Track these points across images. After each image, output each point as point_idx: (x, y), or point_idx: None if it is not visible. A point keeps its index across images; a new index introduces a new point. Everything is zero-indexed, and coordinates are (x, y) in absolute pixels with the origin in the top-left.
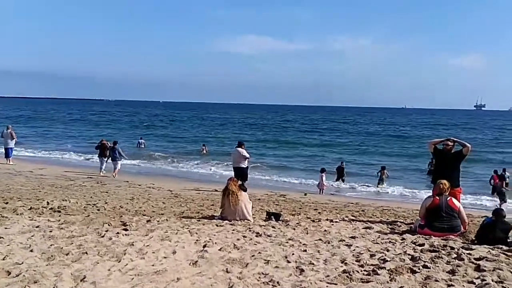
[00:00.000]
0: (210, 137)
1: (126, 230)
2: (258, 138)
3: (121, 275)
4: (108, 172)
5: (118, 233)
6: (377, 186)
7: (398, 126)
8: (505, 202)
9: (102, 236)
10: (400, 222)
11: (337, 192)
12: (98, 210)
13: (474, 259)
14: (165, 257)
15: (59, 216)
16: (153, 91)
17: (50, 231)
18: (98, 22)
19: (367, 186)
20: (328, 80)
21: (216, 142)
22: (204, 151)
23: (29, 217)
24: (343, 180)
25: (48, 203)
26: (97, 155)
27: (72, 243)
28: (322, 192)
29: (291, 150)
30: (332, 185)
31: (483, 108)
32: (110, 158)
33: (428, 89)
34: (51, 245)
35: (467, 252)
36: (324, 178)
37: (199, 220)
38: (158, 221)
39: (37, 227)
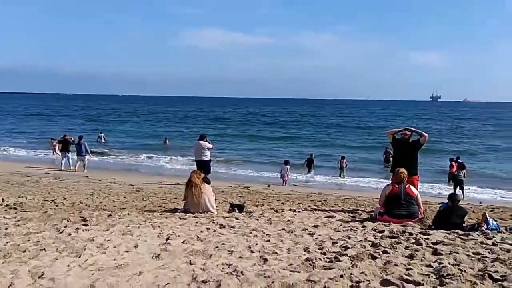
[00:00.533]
0: (173, 131)
1: (86, 225)
2: (220, 132)
3: (81, 271)
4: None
5: (77, 228)
6: (340, 176)
7: (359, 118)
8: (463, 190)
9: (61, 232)
10: (361, 210)
11: (306, 182)
12: (57, 206)
13: (432, 243)
14: (126, 251)
15: (15, 213)
16: (111, 85)
17: (6, 228)
18: (63, 15)
19: (328, 176)
20: (293, 75)
21: (179, 136)
22: (167, 144)
23: None
24: (310, 171)
25: (3, 200)
26: (59, 150)
27: (29, 240)
28: (285, 183)
29: (253, 144)
30: (303, 176)
31: (438, 100)
32: (76, 153)
33: (389, 84)
34: (7, 242)
35: (425, 237)
36: (288, 169)
37: (161, 214)
38: (119, 216)
39: None
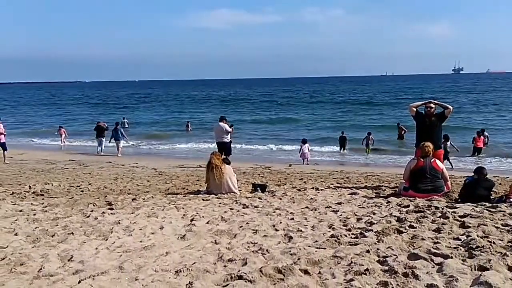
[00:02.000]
0: (193, 116)
1: (111, 209)
2: (237, 118)
3: (108, 253)
4: (107, 153)
5: (103, 212)
6: (366, 153)
7: (375, 94)
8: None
9: (88, 216)
10: (384, 186)
11: (342, 161)
12: (82, 191)
13: (459, 216)
14: (152, 233)
15: (42, 199)
16: (128, 71)
17: (34, 215)
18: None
19: (349, 154)
20: (303, 53)
21: (199, 119)
22: (189, 129)
23: (11, 202)
24: (344, 149)
25: (30, 187)
26: (95, 136)
27: (57, 225)
28: (307, 162)
29: (270, 127)
30: (340, 152)
31: (461, 72)
32: (112, 138)
33: (407, 58)
34: (35, 228)
35: (452, 210)
36: (308, 148)
37: (185, 196)
38: (143, 199)
39: (20, 211)
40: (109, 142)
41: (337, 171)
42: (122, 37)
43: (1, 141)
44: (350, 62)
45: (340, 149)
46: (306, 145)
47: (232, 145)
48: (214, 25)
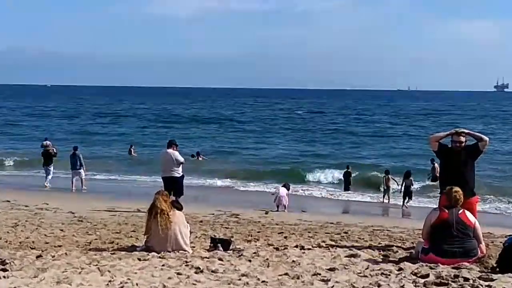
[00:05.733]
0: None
1: (4, 270)
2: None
3: None
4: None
5: None
6: (383, 198)
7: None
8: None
9: None
10: (396, 246)
11: (341, 207)
12: None
13: None
14: None
15: None
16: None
17: None
18: None
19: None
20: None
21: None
22: (133, 154)
23: None
24: (348, 189)
25: None
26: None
27: None
28: (283, 209)
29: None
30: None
31: (506, 89)
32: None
33: (431, 66)
34: None
35: (486, 284)
36: (284, 193)
37: (113, 254)
38: (53, 257)
39: None
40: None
41: (332, 223)
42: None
43: None
44: (358, 70)
45: (345, 189)
46: (284, 189)
47: (185, 181)
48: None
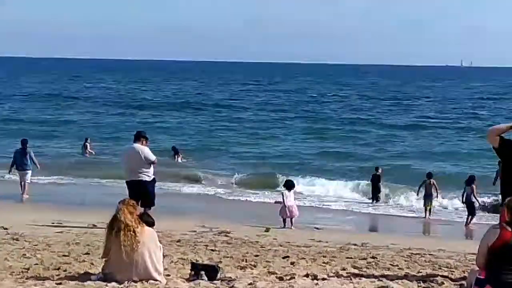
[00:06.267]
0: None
1: None
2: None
3: None
4: None
5: None
6: (425, 210)
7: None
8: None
9: None
10: (441, 276)
11: (367, 221)
12: None
13: None
14: None
15: None
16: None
17: None
18: None
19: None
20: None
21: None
22: (88, 150)
23: None
24: (377, 198)
25: None
26: None
27: None
28: (290, 224)
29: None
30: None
31: None
32: (13, 167)
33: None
34: None
35: None
36: (292, 198)
37: (59, 283)
38: None
39: None
40: (9, 172)
41: (355, 244)
42: None
43: None
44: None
45: (373, 199)
46: (291, 192)
47: (158, 187)
48: None
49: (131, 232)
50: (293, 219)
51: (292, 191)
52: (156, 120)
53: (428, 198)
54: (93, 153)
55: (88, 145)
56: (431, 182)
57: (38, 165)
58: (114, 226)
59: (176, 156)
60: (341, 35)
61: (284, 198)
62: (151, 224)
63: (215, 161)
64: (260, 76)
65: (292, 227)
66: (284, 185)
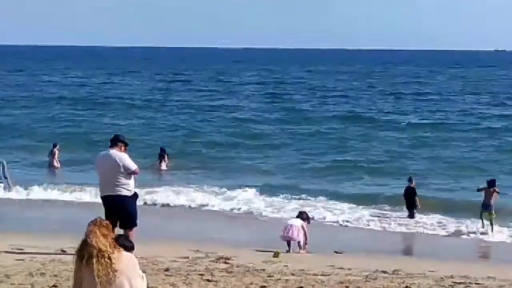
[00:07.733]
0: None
1: None
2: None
3: None
4: None
5: None
6: (482, 225)
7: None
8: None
9: None
10: None
11: (397, 242)
12: None
13: None
14: None
15: None
16: None
17: None
18: None
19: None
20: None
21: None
22: (55, 158)
23: None
24: (412, 215)
25: None
26: None
27: None
28: (299, 247)
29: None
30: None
31: None
32: None
33: None
34: None
35: None
36: (299, 226)
37: None
38: None
39: None
40: None
41: (385, 272)
42: None
43: None
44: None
45: (408, 215)
46: (299, 221)
47: (138, 202)
48: None
49: (106, 259)
50: (303, 243)
51: (300, 221)
52: (140, 121)
53: (486, 208)
54: (56, 160)
55: (57, 151)
56: (493, 191)
57: (10, 181)
58: (85, 252)
59: (162, 160)
60: None
61: (288, 224)
62: (129, 248)
63: (210, 168)
64: None
65: (301, 251)
66: (298, 215)
